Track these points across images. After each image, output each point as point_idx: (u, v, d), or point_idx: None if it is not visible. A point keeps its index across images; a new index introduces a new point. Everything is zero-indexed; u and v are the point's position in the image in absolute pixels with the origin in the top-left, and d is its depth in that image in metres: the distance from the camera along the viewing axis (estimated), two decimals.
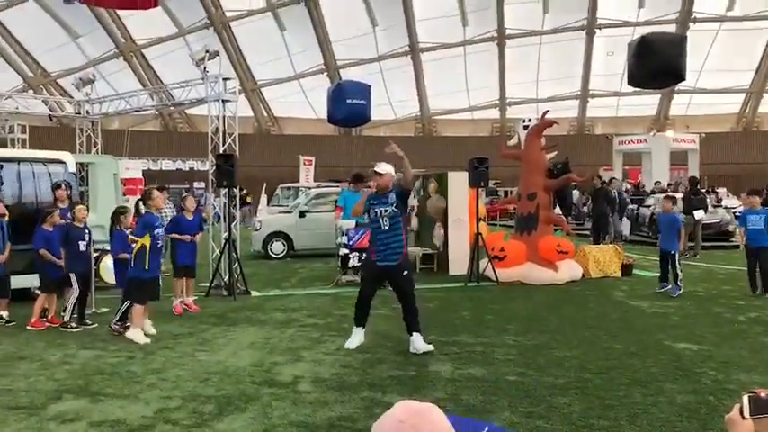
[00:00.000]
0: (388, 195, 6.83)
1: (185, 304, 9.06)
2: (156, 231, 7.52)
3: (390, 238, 6.77)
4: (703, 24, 35.55)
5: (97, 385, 5.66)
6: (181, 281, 9.13)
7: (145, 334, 7.33)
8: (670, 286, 10.26)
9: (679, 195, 16.90)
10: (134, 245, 7.49)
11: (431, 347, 6.74)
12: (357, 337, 6.95)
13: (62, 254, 8.06)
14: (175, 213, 10.40)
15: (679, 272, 10.20)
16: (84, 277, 8.24)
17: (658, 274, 10.73)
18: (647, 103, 40.41)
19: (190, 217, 9.33)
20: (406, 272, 6.86)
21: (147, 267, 7.44)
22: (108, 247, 9.35)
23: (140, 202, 8.56)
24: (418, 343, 6.72)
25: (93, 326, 8.03)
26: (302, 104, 39.59)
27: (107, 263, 9.88)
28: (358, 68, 37.35)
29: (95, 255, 9.71)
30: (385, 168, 6.94)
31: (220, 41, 34.62)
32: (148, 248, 7.41)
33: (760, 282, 9.95)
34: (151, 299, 7.65)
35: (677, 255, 10.28)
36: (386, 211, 6.77)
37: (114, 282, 9.30)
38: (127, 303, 7.58)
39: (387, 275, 6.95)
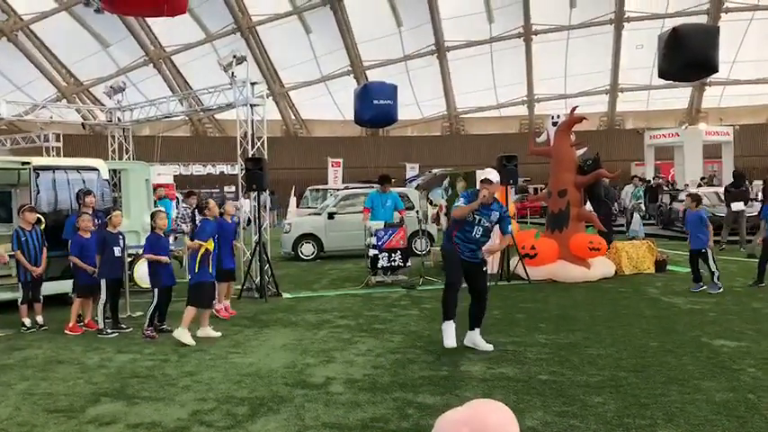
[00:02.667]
0: (492, 211, 6.71)
1: (216, 309, 9.14)
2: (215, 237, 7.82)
3: (477, 243, 6.75)
4: (735, 14, 34.80)
5: (133, 388, 5.75)
6: (224, 284, 9.20)
7: (202, 338, 7.54)
8: (705, 286, 10.05)
9: (717, 189, 16.64)
10: (194, 250, 7.70)
11: (490, 347, 6.72)
12: (451, 331, 6.68)
13: (97, 260, 8.20)
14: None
15: (715, 269, 9.98)
16: (117, 283, 8.37)
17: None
18: (679, 96, 39.72)
19: (229, 220, 9.46)
20: (485, 268, 6.88)
21: (211, 270, 7.70)
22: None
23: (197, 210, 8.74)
24: (477, 338, 6.78)
25: (129, 330, 8.15)
26: (329, 106, 39.75)
27: (141, 267, 10.02)
28: (384, 69, 37.37)
29: (129, 259, 9.87)
30: (496, 176, 6.79)
31: (247, 46, 34.93)
32: (212, 252, 7.69)
33: None
34: (207, 306, 7.91)
35: (710, 252, 10.08)
36: (485, 221, 6.69)
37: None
38: (152, 308, 7.79)
39: (465, 267, 6.76)
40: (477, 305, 6.85)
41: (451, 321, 6.71)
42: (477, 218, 6.67)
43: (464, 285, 6.86)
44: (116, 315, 8.32)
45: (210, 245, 7.69)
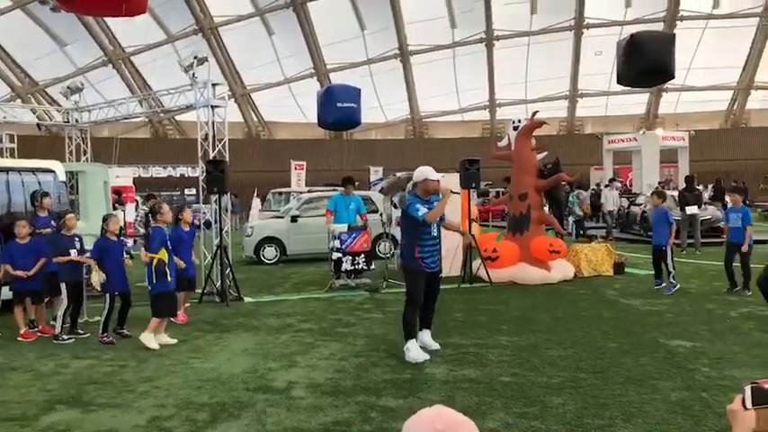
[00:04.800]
0: (433, 201, 6.78)
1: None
2: (168, 245, 7.61)
3: (438, 244, 6.83)
4: (690, 22, 35.74)
5: (89, 395, 5.63)
6: (184, 292, 9.07)
7: (167, 343, 7.43)
8: (664, 284, 10.29)
9: (673, 193, 17.10)
10: (147, 260, 7.52)
11: (437, 346, 6.87)
12: (417, 348, 6.62)
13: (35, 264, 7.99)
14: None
15: (671, 268, 10.24)
16: (76, 286, 8.18)
17: (651, 272, 10.78)
18: (636, 101, 40.58)
19: (186, 228, 9.19)
20: (441, 275, 7.01)
21: (169, 280, 7.51)
22: None
23: (148, 217, 8.44)
24: (426, 338, 6.92)
25: (86, 335, 7.98)
26: (292, 109, 39.55)
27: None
28: (348, 72, 37.32)
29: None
30: (434, 173, 6.85)
31: (209, 47, 34.54)
32: (166, 262, 7.48)
33: (741, 278, 9.98)
34: (172, 314, 7.80)
35: (669, 249, 10.33)
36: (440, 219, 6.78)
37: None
38: (104, 315, 7.66)
39: (429, 279, 6.78)
40: (431, 308, 6.97)
41: (414, 339, 6.65)
42: None
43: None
44: (75, 320, 8.14)
45: (163, 255, 7.46)
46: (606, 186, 21.71)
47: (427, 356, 6.55)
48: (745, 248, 9.86)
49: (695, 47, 35.55)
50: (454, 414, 1.51)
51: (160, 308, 7.48)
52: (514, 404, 5.14)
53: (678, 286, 10.12)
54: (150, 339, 7.27)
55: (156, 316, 7.44)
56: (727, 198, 10.66)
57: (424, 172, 6.77)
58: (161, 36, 35.25)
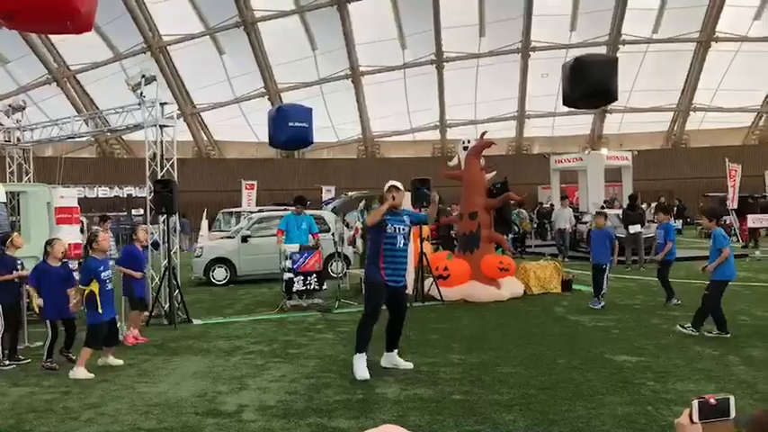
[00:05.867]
0: (402, 214, 6.88)
1: (123, 336, 8.83)
2: (102, 275, 7.29)
3: (403, 256, 6.86)
4: (632, 46, 36.98)
5: (30, 424, 5.42)
6: (137, 312, 8.99)
7: (103, 366, 7.25)
8: (596, 299, 10.67)
9: (617, 211, 17.58)
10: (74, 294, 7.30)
11: (410, 365, 6.89)
12: (363, 364, 6.59)
13: None
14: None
15: (605, 286, 10.61)
16: (14, 309, 7.90)
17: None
18: (582, 122, 41.63)
19: (140, 247, 9.21)
20: (407, 291, 7.03)
21: (101, 311, 7.23)
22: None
23: (85, 247, 8.14)
24: (397, 359, 6.94)
25: (27, 361, 7.70)
26: (243, 128, 39.23)
27: None
28: (299, 92, 37.28)
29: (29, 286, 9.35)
30: (401, 185, 6.96)
31: (158, 66, 34.08)
32: (98, 293, 7.21)
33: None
34: (113, 343, 7.58)
35: (608, 268, 10.70)
36: (404, 228, 6.81)
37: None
38: (47, 342, 7.41)
39: (391, 293, 6.77)
40: (397, 328, 6.96)
41: (364, 354, 6.64)
42: (395, 227, 6.74)
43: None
44: (14, 346, 7.85)
45: (94, 287, 7.20)
46: (561, 205, 21.82)
47: (367, 377, 6.46)
48: (659, 257, 10.66)
49: (637, 70, 36.76)
50: (398, 429, 1.52)
51: (90, 339, 7.24)
52: (465, 422, 5.17)
53: (603, 304, 10.48)
54: (81, 372, 6.97)
55: (87, 346, 7.20)
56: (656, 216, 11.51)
57: (391, 182, 6.95)
58: (108, 54, 34.61)
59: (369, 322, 6.70)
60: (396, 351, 6.99)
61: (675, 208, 26.37)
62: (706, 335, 8.07)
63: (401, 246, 6.77)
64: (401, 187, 6.93)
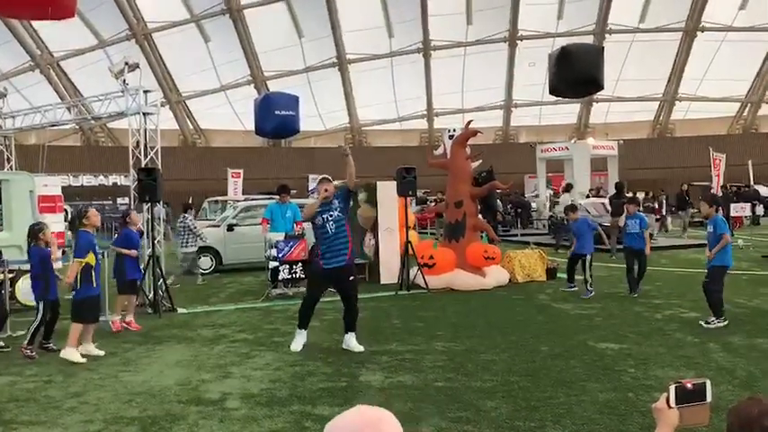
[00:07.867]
0: (333, 202, 7.27)
1: (125, 322, 8.82)
2: (96, 248, 7.43)
3: (336, 240, 7.21)
4: (619, 35, 37.10)
5: (11, 413, 5.40)
6: (125, 297, 8.93)
7: (85, 355, 7.18)
8: (576, 288, 10.77)
9: (603, 200, 17.66)
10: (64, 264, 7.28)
11: (362, 348, 7.13)
12: (301, 339, 7.34)
13: None
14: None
15: (589, 277, 10.67)
16: None
17: (580, 277, 11.09)
18: (568, 111, 41.79)
19: (134, 229, 9.26)
20: (351, 277, 7.33)
21: (95, 285, 7.35)
22: (25, 267, 8.95)
23: (73, 221, 8.08)
24: (352, 342, 7.23)
25: (8, 349, 7.65)
26: (229, 116, 39.01)
27: (23, 283, 9.45)
28: (286, 80, 37.12)
29: (11, 275, 9.29)
30: (330, 178, 7.55)
31: (143, 53, 33.79)
32: (93, 266, 7.31)
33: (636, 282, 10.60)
34: (96, 319, 7.56)
35: (589, 259, 10.75)
36: (331, 215, 7.21)
37: (33, 302, 8.92)
38: (35, 324, 7.39)
39: (334, 277, 7.29)
40: (349, 312, 7.34)
41: (304, 330, 7.36)
42: (322, 217, 7.21)
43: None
44: None
45: (91, 259, 7.29)
46: (565, 191, 21.11)
47: (298, 349, 7.19)
48: (647, 250, 10.63)
49: (624, 59, 36.89)
50: (373, 413, 1.53)
51: (80, 313, 7.24)
52: (448, 409, 5.21)
53: (593, 293, 10.51)
54: (73, 353, 7.02)
55: (78, 321, 7.19)
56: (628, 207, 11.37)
57: (322, 176, 7.61)
58: (93, 41, 34.26)
59: (307, 305, 7.39)
60: (352, 333, 7.31)
61: (664, 199, 26.30)
62: (703, 326, 8.03)
63: (332, 231, 7.19)
64: (331, 179, 7.53)
